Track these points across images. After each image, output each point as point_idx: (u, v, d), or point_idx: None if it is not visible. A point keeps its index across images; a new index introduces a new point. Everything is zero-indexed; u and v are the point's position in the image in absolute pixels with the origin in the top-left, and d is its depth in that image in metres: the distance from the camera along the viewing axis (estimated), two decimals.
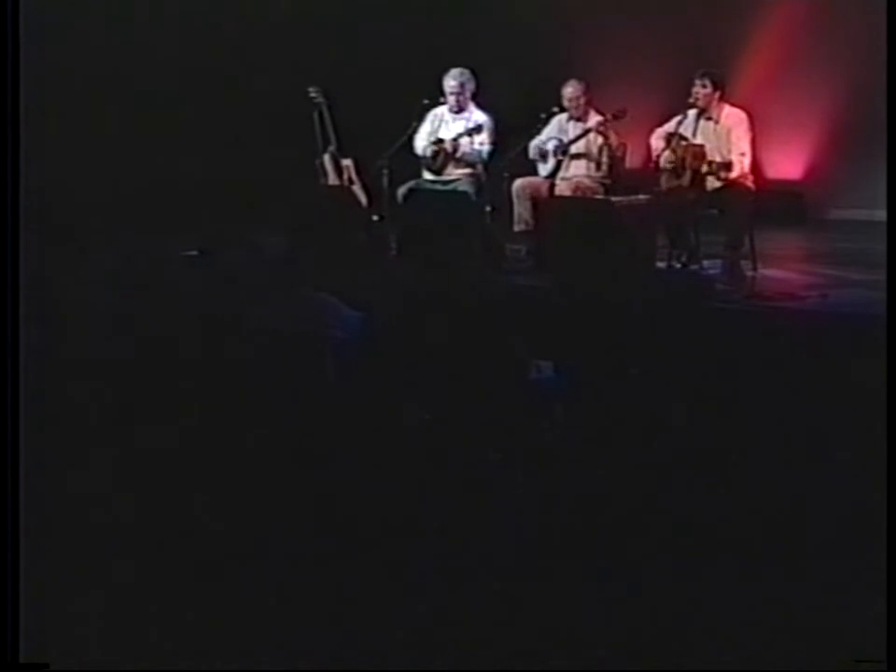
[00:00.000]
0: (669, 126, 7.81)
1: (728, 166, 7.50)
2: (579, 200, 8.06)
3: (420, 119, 8.57)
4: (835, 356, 5.45)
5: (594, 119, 8.17)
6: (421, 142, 8.58)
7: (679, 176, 7.69)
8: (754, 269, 7.73)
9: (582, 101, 8.21)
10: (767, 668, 3.33)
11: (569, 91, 8.21)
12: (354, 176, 8.85)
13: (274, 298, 5.71)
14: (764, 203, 7.82)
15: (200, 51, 10.03)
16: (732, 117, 7.71)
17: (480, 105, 8.51)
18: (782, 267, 8.09)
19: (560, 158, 8.30)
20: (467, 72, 8.45)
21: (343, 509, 4.19)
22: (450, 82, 8.43)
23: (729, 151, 7.62)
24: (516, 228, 8.28)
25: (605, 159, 8.16)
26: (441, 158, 8.48)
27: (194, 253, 7.84)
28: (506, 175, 8.24)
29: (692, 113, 7.75)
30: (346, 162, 8.85)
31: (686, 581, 3.66)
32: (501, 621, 3.52)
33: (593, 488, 4.31)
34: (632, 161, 8.42)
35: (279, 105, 9.72)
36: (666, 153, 7.68)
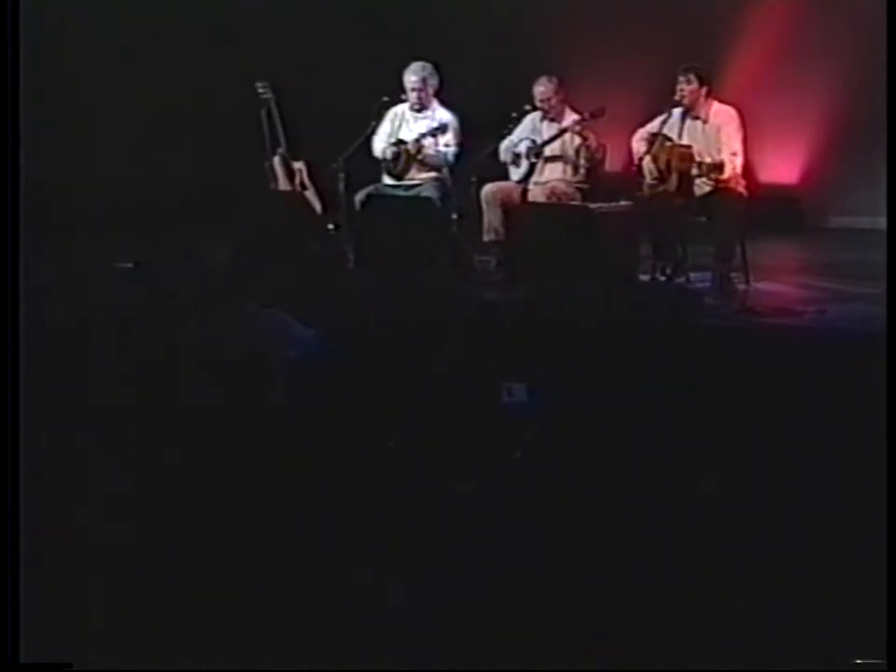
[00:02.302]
0: (652, 126, 7.87)
1: (719, 167, 7.55)
2: (554, 206, 8.10)
3: (379, 117, 8.60)
4: (834, 375, 5.51)
5: (570, 118, 8.21)
6: (380, 143, 8.60)
7: (663, 181, 7.75)
8: (746, 282, 7.80)
9: (554, 100, 8.24)
10: (767, 668, 3.56)
11: (540, 90, 8.24)
12: (306, 181, 8.86)
13: (219, 315, 5.72)
14: (757, 209, 7.89)
15: (135, 45, 10.05)
16: (721, 114, 7.79)
17: (444, 103, 8.54)
18: (776, 280, 8.16)
19: (533, 161, 8.33)
20: (429, 66, 8.48)
21: (300, 543, 4.23)
22: (410, 77, 8.46)
23: (719, 151, 7.68)
24: (486, 237, 8.31)
25: (582, 161, 8.21)
26: (402, 160, 8.51)
27: (129, 265, 7.83)
28: (474, 179, 8.26)
29: (677, 112, 7.83)
30: (298, 165, 8.87)
31: (680, 591, 3.86)
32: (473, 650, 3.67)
33: (568, 522, 4.35)
34: (612, 163, 8.47)
35: (223, 101, 9.74)
36: (650, 156, 7.74)
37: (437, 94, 8.52)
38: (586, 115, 8.09)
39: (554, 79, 8.24)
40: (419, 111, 8.51)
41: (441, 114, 8.47)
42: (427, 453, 5.01)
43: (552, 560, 4.09)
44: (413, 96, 8.46)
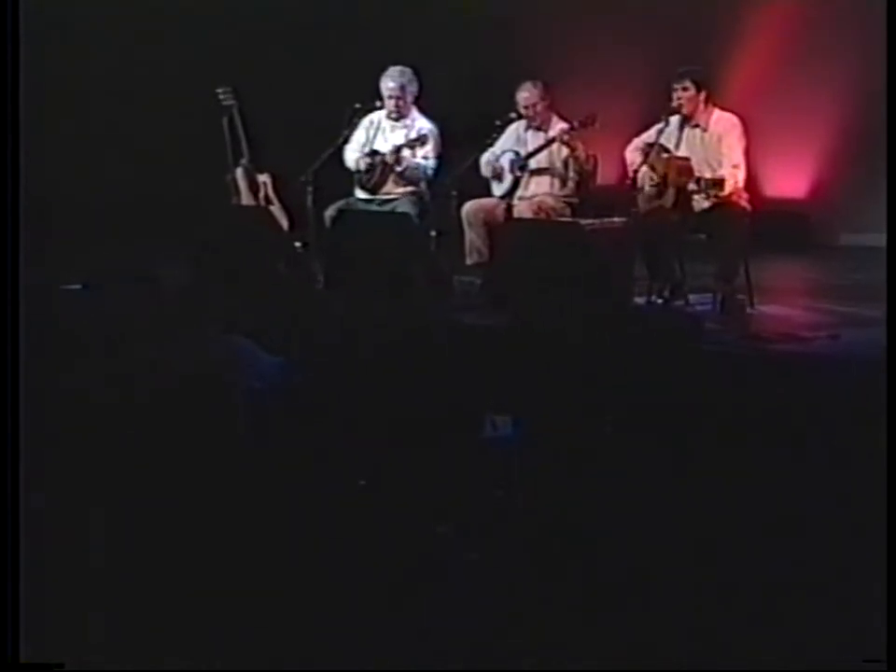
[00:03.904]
0: (648, 136, 7.88)
1: (719, 184, 7.53)
2: (541, 223, 8.11)
3: (351, 126, 8.59)
4: (847, 407, 5.51)
5: (557, 127, 8.21)
6: (353, 154, 8.60)
7: (660, 195, 7.75)
8: (750, 304, 7.80)
9: (540, 108, 8.25)
10: (768, 668, 3.76)
11: (524, 96, 8.25)
12: (272, 195, 8.86)
13: (175, 340, 5.70)
14: (762, 226, 7.90)
15: (85, 47, 10.04)
16: (722, 122, 7.80)
17: (423, 111, 8.55)
18: (783, 302, 8.17)
19: (518, 174, 8.34)
20: (408, 71, 8.48)
21: (264, 595, 4.23)
22: (388, 84, 8.46)
23: (719, 163, 7.68)
24: (469, 260, 8.29)
25: (571, 174, 8.22)
26: (376, 173, 8.50)
27: (77, 287, 7.80)
28: (454, 193, 8.27)
29: (674, 120, 7.83)
30: (263, 178, 8.87)
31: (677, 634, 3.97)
32: None
33: (556, 568, 4.34)
34: (604, 176, 8.48)
35: (181, 107, 9.73)
36: (645, 168, 7.74)
37: (416, 102, 8.53)
38: (575, 123, 8.10)
39: (539, 84, 8.25)
40: (397, 120, 8.51)
41: (420, 123, 8.47)
42: (401, 491, 4.99)
43: (538, 610, 4.09)
44: (390, 104, 8.46)
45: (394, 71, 8.47)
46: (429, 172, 8.44)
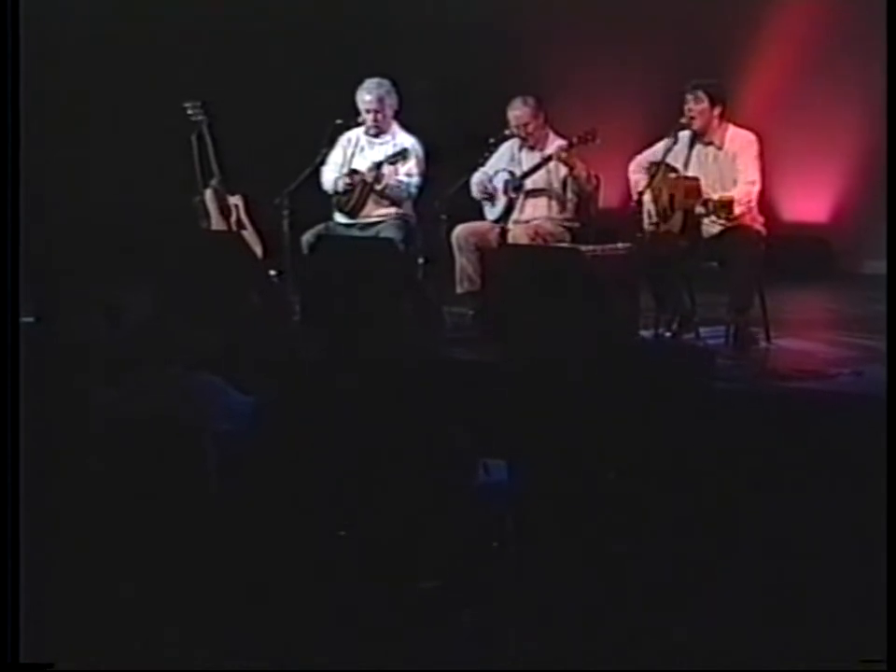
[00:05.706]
0: (654, 153, 7.89)
1: (728, 206, 7.52)
2: (538, 249, 8.12)
3: (331, 143, 8.61)
4: (871, 449, 5.51)
5: (554, 144, 8.23)
6: (330, 175, 8.60)
7: (667, 219, 7.76)
8: (766, 338, 7.82)
9: (533, 126, 8.24)
10: (768, 668, 3.96)
11: (516, 114, 8.24)
12: (244, 219, 8.86)
13: (137, 378, 5.70)
14: (779, 251, 7.91)
15: (41, 54, 10.06)
16: (738, 140, 7.80)
17: (405, 126, 8.57)
18: (802, 336, 8.18)
19: (512, 196, 8.35)
20: (386, 83, 8.50)
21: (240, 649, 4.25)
22: (364, 97, 8.47)
23: (734, 183, 7.70)
24: (460, 289, 8.28)
25: (570, 195, 8.23)
26: (356, 194, 8.51)
27: (29, 320, 7.79)
28: (443, 217, 8.27)
29: (684, 136, 7.84)
30: (234, 200, 8.87)
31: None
32: None
33: (553, 629, 4.34)
34: (606, 198, 8.49)
35: (146, 124, 9.74)
36: (650, 189, 7.75)
37: (396, 116, 8.55)
38: (573, 140, 8.10)
39: (531, 100, 8.25)
40: (376, 136, 8.53)
41: (401, 138, 8.49)
42: (385, 543, 4.99)
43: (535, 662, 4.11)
44: (368, 119, 8.47)
45: (370, 83, 8.48)
46: (413, 190, 8.44)
